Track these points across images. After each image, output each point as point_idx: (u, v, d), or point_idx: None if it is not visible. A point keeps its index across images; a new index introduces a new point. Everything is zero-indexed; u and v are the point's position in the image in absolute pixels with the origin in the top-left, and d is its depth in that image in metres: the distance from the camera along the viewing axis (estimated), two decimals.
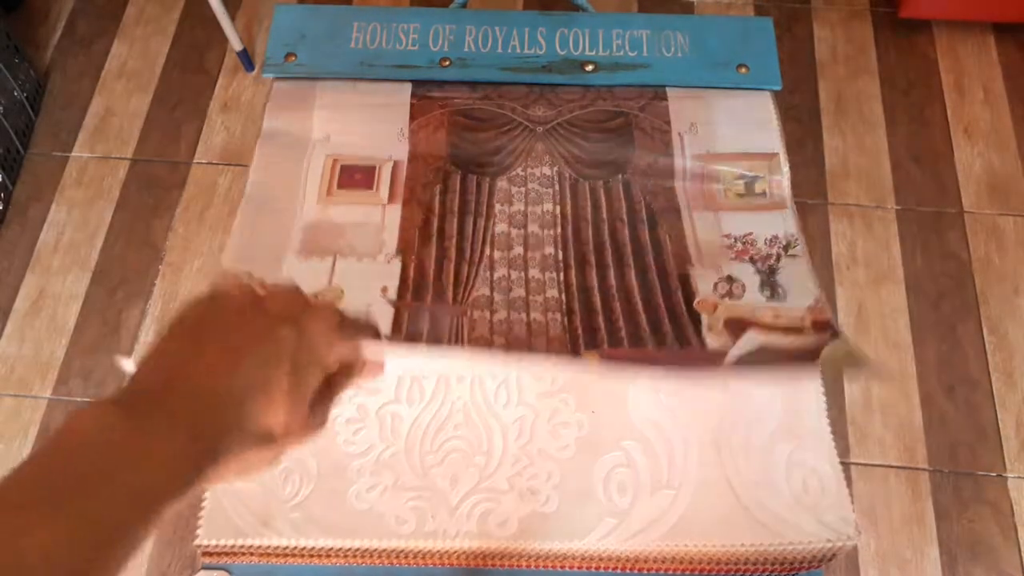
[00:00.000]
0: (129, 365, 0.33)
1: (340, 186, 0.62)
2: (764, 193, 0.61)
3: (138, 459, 0.25)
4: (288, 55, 0.68)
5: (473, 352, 0.52)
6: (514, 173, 0.62)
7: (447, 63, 0.67)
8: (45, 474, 0.24)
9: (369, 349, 0.36)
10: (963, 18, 1.45)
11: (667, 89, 0.66)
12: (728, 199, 0.60)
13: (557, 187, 0.61)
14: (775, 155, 0.62)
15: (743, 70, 0.67)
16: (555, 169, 0.62)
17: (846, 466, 1.12)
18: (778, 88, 0.66)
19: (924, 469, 1.12)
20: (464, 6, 1.09)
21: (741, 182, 0.61)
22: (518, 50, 0.68)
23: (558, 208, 0.60)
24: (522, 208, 0.60)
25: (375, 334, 0.36)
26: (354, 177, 0.62)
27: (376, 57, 0.68)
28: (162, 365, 0.29)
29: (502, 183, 0.61)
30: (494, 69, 0.67)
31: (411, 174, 0.62)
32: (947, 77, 1.43)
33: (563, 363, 0.52)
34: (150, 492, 0.25)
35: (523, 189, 0.61)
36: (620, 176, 0.61)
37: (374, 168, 0.62)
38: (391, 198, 0.61)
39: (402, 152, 0.63)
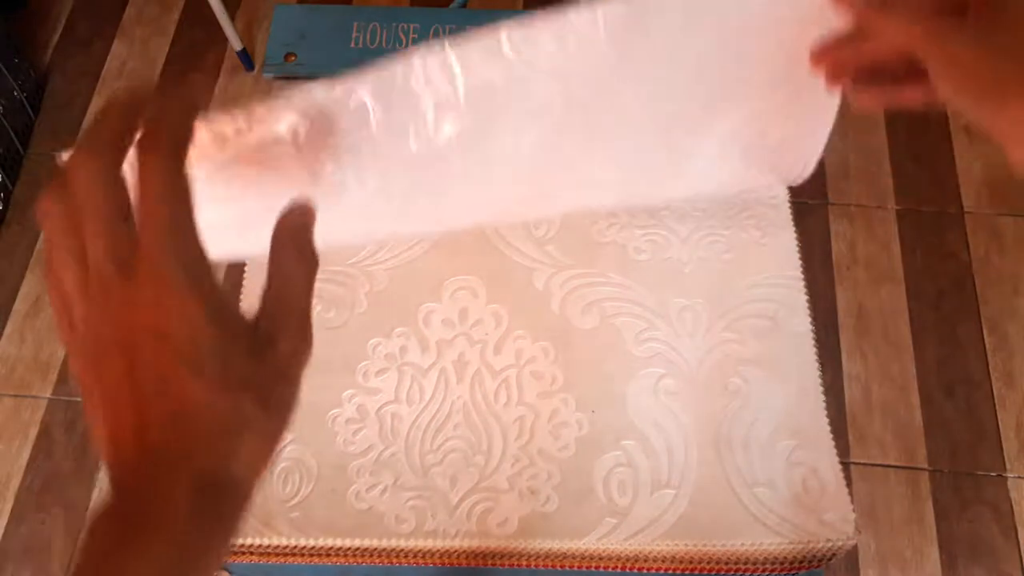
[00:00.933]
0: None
1: None
2: None
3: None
4: (288, 55, 0.68)
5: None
6: None
7: None
8: None
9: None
10: None
11: None
12: None
13: None
14: None
15: None
16: None
17: (846, 466, 1.12)
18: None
19: (924, 469, 1.12)
20: (464, 6, 1.09)
21: None
22: None
23: None
24: None
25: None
26: None
27: (376, 57, 0.68)
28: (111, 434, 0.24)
29: None
30: None
31: None
32: None
33: None
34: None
35: None
36: None
37: None
38: None
39: None
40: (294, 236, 0.27)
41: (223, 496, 0.24)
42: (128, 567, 0.22)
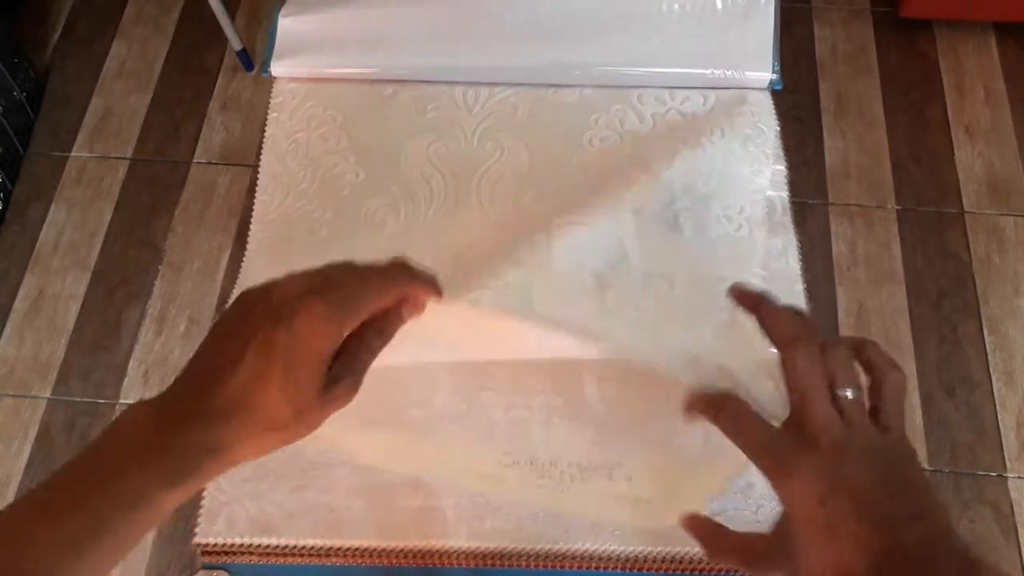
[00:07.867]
0: None
1: None
2: None
3: (151, 455, 0.30)
4: None
5: None
6: None
7: None
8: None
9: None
10: (964, 18, 1.45)
11: None
12: None
13: None
14: None
15: None
16: None
17: None
18: (778, 88, 0.66)
19: (925, 469, 1.12)
20: None
21: None
22: None
23: None
24: None
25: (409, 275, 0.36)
26: None
27: None
28: (194, 367, 0.33)
29: None
30: None
31: None
32: (948, 77, 1.43)
33: None
34: (149, 492, 0.30)
35: None
36: None
37: None
38: None
39: None
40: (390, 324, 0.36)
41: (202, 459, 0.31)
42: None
